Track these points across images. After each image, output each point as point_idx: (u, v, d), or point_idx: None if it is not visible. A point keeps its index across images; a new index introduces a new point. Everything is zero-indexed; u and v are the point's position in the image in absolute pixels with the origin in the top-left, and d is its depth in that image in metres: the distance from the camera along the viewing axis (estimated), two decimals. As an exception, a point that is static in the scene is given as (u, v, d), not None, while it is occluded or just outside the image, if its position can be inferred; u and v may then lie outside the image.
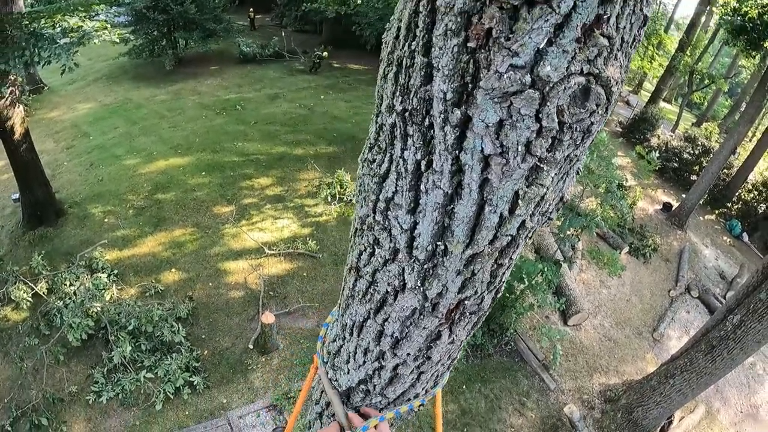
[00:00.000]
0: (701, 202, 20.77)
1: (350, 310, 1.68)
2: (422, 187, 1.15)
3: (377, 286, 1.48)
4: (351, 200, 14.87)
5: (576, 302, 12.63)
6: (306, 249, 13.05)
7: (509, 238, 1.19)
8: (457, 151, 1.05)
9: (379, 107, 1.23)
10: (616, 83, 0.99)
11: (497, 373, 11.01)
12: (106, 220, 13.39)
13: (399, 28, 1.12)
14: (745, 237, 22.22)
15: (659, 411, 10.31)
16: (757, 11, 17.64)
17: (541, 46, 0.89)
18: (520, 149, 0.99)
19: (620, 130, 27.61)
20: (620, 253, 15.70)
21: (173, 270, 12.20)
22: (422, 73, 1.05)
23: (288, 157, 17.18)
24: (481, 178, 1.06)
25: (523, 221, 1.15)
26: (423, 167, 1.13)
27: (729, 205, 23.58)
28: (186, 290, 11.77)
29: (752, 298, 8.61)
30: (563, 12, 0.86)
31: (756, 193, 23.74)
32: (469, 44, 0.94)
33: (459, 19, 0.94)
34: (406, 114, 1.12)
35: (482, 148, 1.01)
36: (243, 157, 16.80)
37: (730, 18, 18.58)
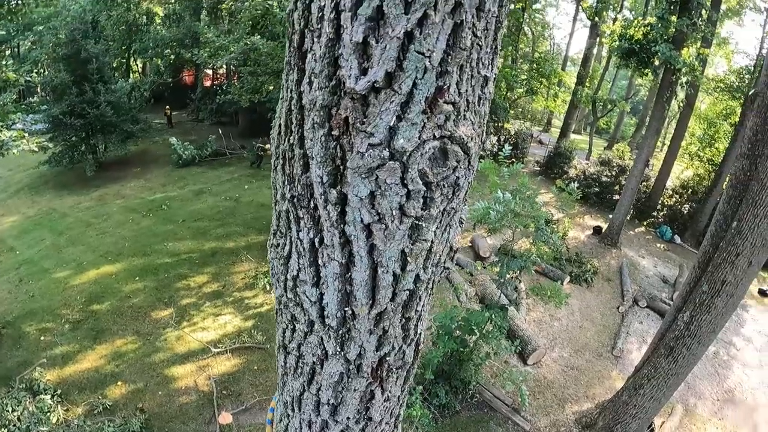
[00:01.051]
0: (628, 218, 21.83)
1: (287, 387, 1.74)
2: (320, 261, 1.27)
3: (304, 358, 1.56)
4: (290, 285, 14.75)
5: (531, 341, 12.72)
6: (252, 342, 12.74)
7: (407, 292, 1.31)
8: (342, 225, 1.18)
9: (275, 196, 1.36)
10: (471, 139, 1.16)
11: (469, 428, 10.89)
12: (42, 338, 12.66)
13: (280, 125, 1.27)
14: (677, 239, 23.45)
15: (637, 423, 10.35)
16: (641, 32, 19.24)
17: (391, 124, 1.04)
18: (395, 213, 1.13)
19: (538, 168, 28.94)
20: (562, 284, 16.10)
21: (119, 383, 11.56)
22: (301, 162, 1.19)
23: (221, 251, 17.02)
24: (367, 244, 1.18)
25: (417, 275, 1.28)
26: (317, 244, 1.25)
27: (655, 213, 24.99)
28: (136, 402, 11.12)
29: (696, 293, 8.92)
30: (405, 92, 1.03)
31: (677, 196, 25.36)
32: (333, 133, 1.09)
33: (322, 113, 1.09)
34: (295, 200, 1.24)
35: (361, 218, 1.14)
36: (175, 257, 16.49)
37: (618, 44, 20.23)
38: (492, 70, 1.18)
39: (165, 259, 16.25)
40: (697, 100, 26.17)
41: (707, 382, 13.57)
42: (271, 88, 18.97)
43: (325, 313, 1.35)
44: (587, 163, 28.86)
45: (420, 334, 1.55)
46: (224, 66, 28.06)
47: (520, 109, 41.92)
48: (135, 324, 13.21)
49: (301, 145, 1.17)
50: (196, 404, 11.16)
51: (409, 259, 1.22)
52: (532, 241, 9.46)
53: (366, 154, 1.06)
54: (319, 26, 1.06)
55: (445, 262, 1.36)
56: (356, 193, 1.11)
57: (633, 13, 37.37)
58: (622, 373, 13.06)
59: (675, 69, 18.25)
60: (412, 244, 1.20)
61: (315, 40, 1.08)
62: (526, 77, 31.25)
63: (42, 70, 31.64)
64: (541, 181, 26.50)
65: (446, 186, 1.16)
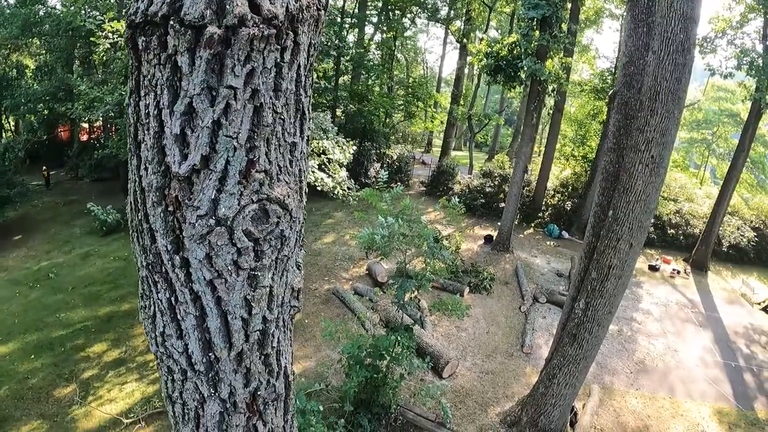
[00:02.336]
0: (516, 223, 23.08)
1: (180, 436, 1.86)
2: (179, 316, 1.45)
3: (188, 405, 1.70)
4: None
5: (442, 355, 13.13)
6: (163, 405, 12.17)
7: (259, 332, 1.52)
8: (190, 284, 1.37)
9: (137, 264, 1.52)
10: (288, 196, 1.39)
11: (399, 451, 11.05)
12: (-64, 439, 11.35)
13: (131, 203, 1.44)
14: (566, 234, 25.26)
15: (559, 410, 10.85)
16: (506, 49, 20.80)
17: (213, 197, 1.26)
18: (230, 268, 1.35)
19: (424, 188, 30.12)
20: (462, 295, 16.85)
21: (32, 474, 10.62)
22: (149, 235, 1.37)
23: (117, 315, 16.17)
24: (214, 297, 1.39)
25: (264, 317, 1.49)
26: (174, 302, 1.43)
27: (540, 214, 26.72)
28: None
29: (586, 280, 9.62)
30: (220, 169, 1.25)
31: (559, 195, 27.32)
32: (169, 209, 1.29)
33: (158, 194, 1.30)
34: (150, 266, 1.42)
35: (204, 276, 1.35)
36: (70, 328, 15.45)
37: (486, 62, 21.70)
38: (301, 134, 1.42)
39: (60, 332, 15.17)
40: (566, 105, 28.17)
41: (617, 358, 14.68)
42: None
43: (193, 360, 1.52)
44: (470, 177, 30.29)
45: (285, 367, 1.75)
46: (100, 119, 26.80)
47: (401, 134, 43.35)
48: (38, 407, 12.20)
49: (147, 220, 1.35)
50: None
51: (252, 304, 1.43)
52: (425, 259, 9.73)
53: (196, 224, 1.27)
54: (147, 121, 1.27)
55: (290, 302, 1.58)
56: (195, 256, 1.31)
57: (499, 32, 40.17)
58: (535, 367, 13.73)
59: (541, 80, 19.75)
60: (252, 291, 1.42)
61: (146, 132, 1.28)
62: (402, 102, 32.41)
63: None
64: (426, 200, 27.56)
65: (273, 239, 1.39)
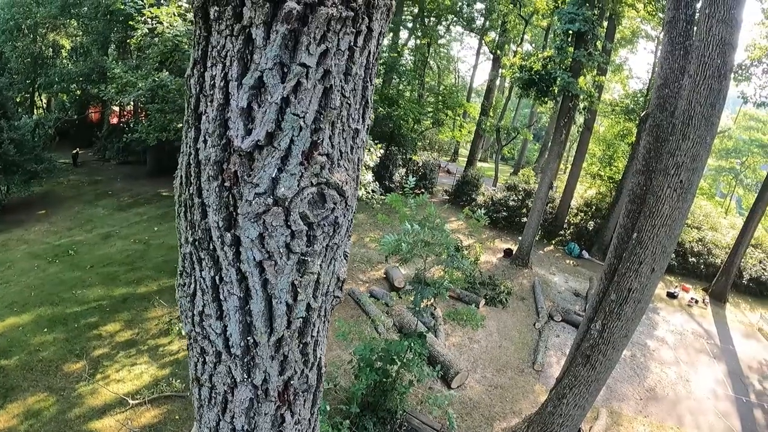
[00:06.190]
0: (537, 239, 23.01)
1: (204, 419, 1.83)
2: (221, 296, 1.42)
3: (216, 388, 1.67)
4: (206, 329, 14.33)
5: (453, 365, 13.04)
6: (171, 390, 12.22)
7: (301, 320, 1.48)
8: (237, 264, 1.34)
9: (180, 240, 1.49)
10: (346, 183, 1.36)
11: (401, 457, 10.98)
12: (-55, 399, 11.55)
13: (181, 177, 1.42)
14: (586, 254, 24.99)
15: (566, 431, 10.72)
16: (540, 64, 20.72)
17: (273, 175, 1.23)
18: (282, 251, 1.31)
19: (447, 197, 30.04)
20: (478, 307, 16.64)
21: (35, 444, 10.73)
22: (200, 210, 1.34)
23: (132, 297, 16.31)
24: (261, 279, 1.35)
25: (308, 304, 1.46)
26: (218, 281, 1.40)
27: (562, 232, 26.53)
28: (54, 463, 10.36)
29: (605, 302, 9.47)
30: (284, 147, 1.22)
31: (582, 214, 27.06)
32: (225, 184, 1.26)
33: (215, 168, 1.27)
34: (197, 243, 1.40)
35: (254, 257, 1.31)
36: (85, 305, 15.62)
37: (519, 75, 21.63)
38: (363, 122, 1.39)
39: (74, 308, 15.36)
40: (595, 124, 27.98)
41: (628, 383, 14.46)
42: (180, 126, 18.63)
43: (230, 343, 1.49)
44: (494, 189, 30.21)
45: (320, 358, 1.72)
46: (132, 103, 27.18)
47: (428, 141, 43.26)
48: (46, 379, 12.35)
49: (199, 194, 1.33)
50: (117, 460, 10.55)
51: (299, 290, 1.40)
52: (444, 268, 9.67)
53: (253, 202, 1.24)
54: (211, 92, 1.24)
55: (334, 292, 1.54)
56: (247, 235, 1.28)
57: (533, 46, 39.96)
58: (545, 386, 13.59)
59: (573, 96, 19.63)
60: (300, 277, 1.38)
61: (208, 104, 1.26)
62: (432, 109, 32.37)
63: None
64: (449, 209, 27.46)
65: (327, 225, 1.35)
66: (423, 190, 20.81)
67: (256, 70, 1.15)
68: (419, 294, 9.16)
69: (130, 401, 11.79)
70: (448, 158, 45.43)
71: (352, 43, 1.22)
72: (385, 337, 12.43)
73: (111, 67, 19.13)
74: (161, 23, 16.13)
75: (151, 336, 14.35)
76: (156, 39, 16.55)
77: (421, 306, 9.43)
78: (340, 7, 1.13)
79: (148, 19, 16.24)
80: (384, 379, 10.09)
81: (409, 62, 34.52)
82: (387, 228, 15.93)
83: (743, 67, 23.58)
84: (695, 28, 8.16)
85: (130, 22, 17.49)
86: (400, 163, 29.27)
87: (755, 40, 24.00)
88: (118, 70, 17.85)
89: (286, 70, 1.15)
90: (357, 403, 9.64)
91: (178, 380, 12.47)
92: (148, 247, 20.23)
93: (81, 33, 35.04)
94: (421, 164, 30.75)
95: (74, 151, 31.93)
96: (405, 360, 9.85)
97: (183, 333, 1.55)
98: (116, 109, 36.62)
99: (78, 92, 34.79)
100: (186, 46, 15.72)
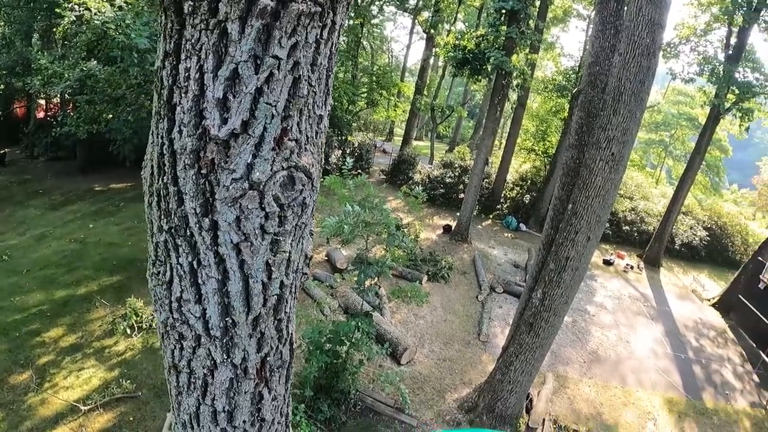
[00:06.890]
0: (475, 214, 23.42)
1: (183, 406, 1.88)
2: (200, 281, 1.48)
3: (195, 373, 1.73)
4: (151, 326, 13.95)
5: (400, 342, 13.22)
6: (122, 392, 11.92)
7: (276, 297, 1.57)
8: (215, 247, 1.41)
9: (151, 229, 1.54)
10: (312, 166, 1.45)
11: (359, 436, 11.18)
12: None
13: (152, 167, 1.46)
14: (523, 227, 25.81)
15: (515, 397, 11.14)
16: (473, 42, 21.02)
17: (248, 161, 1.30)
18: (257, 232, 1.39)
19: (384, 177, 30.16)
20: (421, 283, 16.87)
21: (-12, 463, 10.24)
22: (176, 198, 1.40)
23: (73, 299, 15.63)
24: (238, 260, 1.43)
25: (282, 281, 1.54)
26: (196, 266, 1.46)
27: (499, 206, 27.24)
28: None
29: (544, 271, 9.86)
30: (257, 134, 1.30)
31: (518, 188, 27.87)
32: (202, 172, 1.32)
33: (192, 156, 1.32)
34: (173, 230, 1.45)
35: (231, 239, 1.39)
36: (25, 312, 14.84)
37: (452, 55, 21.86)
38: (326, 108, 1.48)
39: (14, 316, 14.60)
40: (529, 100, 28.65)
41: (571, 348, 15.17)
42: (110, 117, 17.81)
43: (209, 325, 1.56)
44: (431, 167, 30.50)
45: (291, 334, 1.81)
46: (59, 95, 25.68)
47: (363, 122, 43.07)
48: (-7, 395, 11.71)
49: (175, 183, 1.38)
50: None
51: (273, 268, 1.48)
52: (385, 246, 9.78)
53: (230, 187, 1.31)
54: (186, 84, 1.29)
55: (303, 269, 1.63)
56: (225, 219, 1.35)
57: (466, 25, 40.39)
58: (492, 355, 14.03)
59: (506, 73, 20.02)
60: (274, 256, 1.47)
61: (183, 95, 1.31)
62: (366, 90, 32.27)
63: None
64: (387, 188, 27.64)
65: (296, 206, 1.44)
66: (360, 171, 20.87)
67: (231, 62, 1.22)
68: (362, 274, 9.22)
69: (82, 407, 11.40)
70: (384, 138, 45.37)
71: (318, 36, 1.30)
72: (331, 319, 12.50)
73: (36, 58, 18.04)
74: (89, 10, 15.30)
75: (96, 338, 13.85)
76: (84, 27, 15.71)
77: (365, 286, 9.51)
78: (309, 3, 1.21)
79: (75, 6, 15.37)
80: (335, 361, 10.17)
81: (342, 43, 34.21)
82: (326, 210, 15.84)
83: (672, 46, 24.67)
84: (626, 8, 8.51)
85: (57, 10, 16.49)
86: (336, 144, 29.06)
87: (684, 20, 25.14)
88: (44, 60, 16.85)
89: (259, 62, 1.23)
90: (310, 387, 9.67)
91: (128, 381, 12.14)
92: (85, 246, 19.39)
93: (2, 23, 32.66)
94: (357, 145, 30.60)
95: (1, 151, 29.97)
96: (354, 340, 9.94)
97: (157, 322, 1.58)
98: (42, 102, 34.49)
99: (2, 87, 32.51)
100: (114, 34, 15.00)
